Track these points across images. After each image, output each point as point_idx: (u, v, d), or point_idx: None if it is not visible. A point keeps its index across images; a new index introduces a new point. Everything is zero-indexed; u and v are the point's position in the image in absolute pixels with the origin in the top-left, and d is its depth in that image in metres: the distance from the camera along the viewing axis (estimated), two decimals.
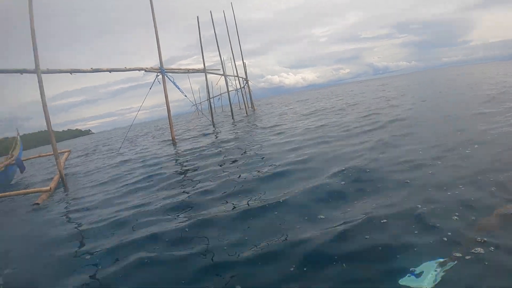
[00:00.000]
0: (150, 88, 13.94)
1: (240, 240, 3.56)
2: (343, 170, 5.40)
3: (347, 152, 6.82)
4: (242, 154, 8.67)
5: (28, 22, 8.50)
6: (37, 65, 8.74)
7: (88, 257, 3.79)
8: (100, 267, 3.47)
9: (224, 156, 8.79)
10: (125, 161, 11.41)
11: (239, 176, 6.24)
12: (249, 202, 4.69)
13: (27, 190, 8.48)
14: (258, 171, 6.35)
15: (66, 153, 13.37)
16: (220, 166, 7.62)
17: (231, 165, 7.48)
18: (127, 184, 7.66)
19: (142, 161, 10.59)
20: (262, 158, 7.67)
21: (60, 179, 8.97)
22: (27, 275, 3.69)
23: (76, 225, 5.15)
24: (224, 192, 5.37)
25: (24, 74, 9.00)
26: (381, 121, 10.03)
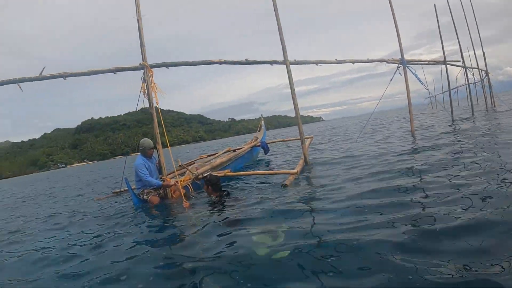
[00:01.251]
0: (391, 80, 13.94)
1: None
2: None
3: None
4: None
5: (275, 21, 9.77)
6: (285, 57, 10.11)
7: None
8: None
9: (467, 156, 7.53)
10: (361, 152, 11.45)
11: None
12: None
13: (276, 171, 9.47)
14: None
15: (310, 139, 14.31)
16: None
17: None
18: (372, 172, 7.69)
19: (377, 152, 10.61)
20: None
21: (304, 163, 9.93)
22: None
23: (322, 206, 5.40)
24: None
25: (274, 65, 10.26)
26: None
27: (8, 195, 24.78)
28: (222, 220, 5.47)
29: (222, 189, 7.13)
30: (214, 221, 5.48)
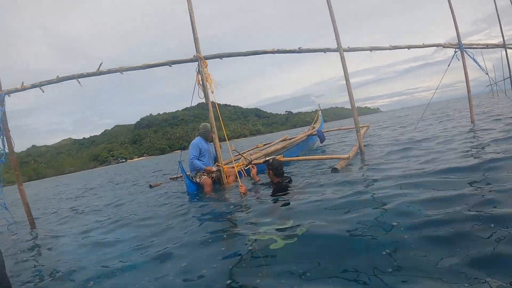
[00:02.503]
0: (449, 65, 13.39)
1: None
2: None
3: None
4: None
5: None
6: (338, 43, 10.00)
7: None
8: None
9: None
10: (418, 141, 11.11)
11: None
12: None
13: (328, 156, 9.56)
14: None
15: (366, 128, 14.46)
16: None
17: None
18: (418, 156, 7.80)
19: (435, 141, 10.27)
20: None
21: (359, 150, 10.04)
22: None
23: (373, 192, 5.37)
24: None
25: (327, 52, 10.19)
26: None
27: (82, 184, 26.11)
28: (273, 206, 5.66)
29: (285, 175, 7.03)
30: (265, 206, 5.70)
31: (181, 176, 10.25)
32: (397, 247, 3.14)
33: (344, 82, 10.05)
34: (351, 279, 2.77)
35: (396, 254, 3.03)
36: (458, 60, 13.01)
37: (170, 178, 12.94)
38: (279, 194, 6.27)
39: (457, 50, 13.02)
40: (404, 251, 3.06)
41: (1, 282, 1.45)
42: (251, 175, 7.34)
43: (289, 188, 6.52)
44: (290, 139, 14.16)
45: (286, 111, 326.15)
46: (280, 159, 8.75)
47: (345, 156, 8.64)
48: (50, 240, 6.63)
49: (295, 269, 3.10)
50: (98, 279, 3.77)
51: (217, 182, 8.97)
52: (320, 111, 16.26)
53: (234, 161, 9.38)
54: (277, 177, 6.85)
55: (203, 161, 8.97)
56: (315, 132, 14.06)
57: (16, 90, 8.04)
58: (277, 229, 4.27)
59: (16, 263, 5.24)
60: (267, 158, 7.23)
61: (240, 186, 7.01)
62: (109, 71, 8.43)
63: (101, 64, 8.32)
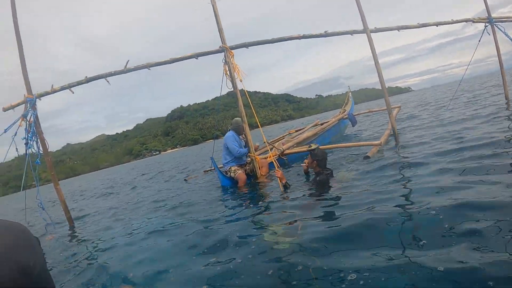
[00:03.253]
0: (479, 41, 12.68)
1: None
2: None
3: None
4: None
5: None
6: (364, 25, 9.80)
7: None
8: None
9: None
10: (452, 121, 10.81)
11: None
12: None
13: (360, 143, 9.35)
14: None
15: (397, 109, 14.05)
16: None
17: None
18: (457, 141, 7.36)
19: (469, 120, 9.97)
20: None
21: (392, 134, 9.86)
22: None
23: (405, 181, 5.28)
24: None
25: (354, 34, 9.97)
26: None
27: (122, 176, 26.58)
28: (312, 198, 5.62)
29: (327, 166, 6.80)
30: (304, 198, 5.69)
31: (213, 169, 10.31)
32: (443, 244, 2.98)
33: (373, 62, 9.88)
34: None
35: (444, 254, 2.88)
36: (489, 34, 12.63)
37: (204, 171, 13.11)
38: (319, 185, 6.20)
39: (487, 24, 12.63)
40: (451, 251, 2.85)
41: (41, 275, 1.46)
42: (278, 177, 7.16)
43: (329, 181, 6.33)
44: (321, 124, 14.09)
45: (316, 95, 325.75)
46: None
47: (377, 142, 8.52)
48: (87, 236, 6.85)
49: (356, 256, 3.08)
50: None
51: (251, 175, 8.99)
52: (350, 93, 15.98)
53: (268, 151, 9.39)
54: (319, 168, 6.68)
55: None
56: (346, 116, 13.84)
57: (47, 94, 8.25)
58: (315, 220, 4.27)
59: (56, 260, 5.39)
60: (312, 147, 7.05)
61: (277, 170, 6.95)
62: (136, 68, 8.54)
63: (128, 62, 8.44)
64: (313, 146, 6.95)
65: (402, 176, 5.58)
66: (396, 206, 4.06)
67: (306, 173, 7.54)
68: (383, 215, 3.85)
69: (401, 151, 7.86)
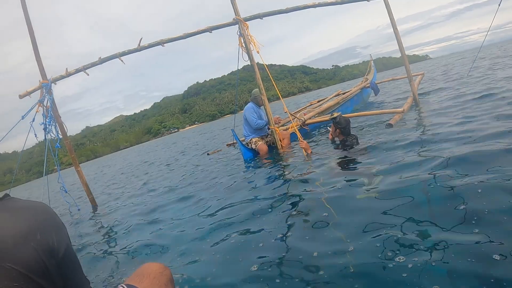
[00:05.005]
0: (499, 5, 12.24)
1: None
2: None
3: None
4: None
5: None
6: None
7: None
8: None
9: None
10: (475, 89, 10.57)
11: None
12: None
13: (382, 111, 9.18)
14: None
15: (420, 76, 13.83)
16: None
17: None
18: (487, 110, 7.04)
19: (492, 88, 9.51)
20: None
21: (414, 101, 9.71)
22: None
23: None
24: None
25: (370, 1, 9.63)
26: None
27: (144, 154, 26.79)
28: (337, 165, 5.53)
29: (351, 133, 6.80)
30: (329, 165, 5.59)
31: (236, 143, 10.32)
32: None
33: (390, 30, 9.64)
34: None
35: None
36: None
37: (227, 144, 13.18)
38: (345, 153, 6.13)
39: None
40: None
41: (67, 256, 1.50)
42: (303, 147, 7.09)
43: (354, 147, 6.28)
44: (343, 93, 13.92)
45: (332, 66, 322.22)
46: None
47: (399, 110, 8.31)
48: (110, 215, 6.97)
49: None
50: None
51: (272, 146, 9.03)
52: (372, 62, 15.85)
53: (288, 122, 9.35)
54: (343, 136, 6.69)
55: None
56: (369, 84, 13.68)
57: (62, 77, 8.31)
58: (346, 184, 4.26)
59: (82, 241, 5.47)
60: (334, 115, 6.96)
61: (301, 141, 6.91)
62: (150, 46, 8.50)
63: (141, 40, 8.39)
64: (335, 115, 6.85)
65: (420, 146, 5.36)
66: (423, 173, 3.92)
67: (332, 141, 7.51)
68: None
69: (422, 119, 7.69)
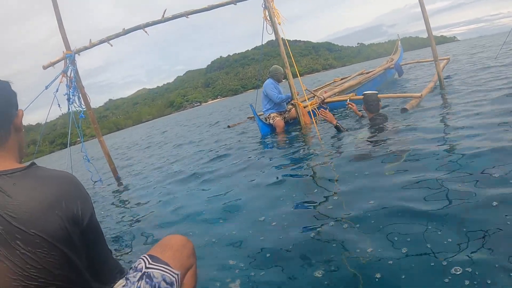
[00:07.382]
0: None
1: None
2: None
3: None
4: None
5: None
6: None
7: None
8: None
9: None
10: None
11: None
12: None
13: (399, 94, 9.19)
14: None
15: (445, 61, 13.28)
16: None
17: None
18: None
19: None
20: None
21: (438, 84, 9.50)
22: None
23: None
24: None
25: None
26: None
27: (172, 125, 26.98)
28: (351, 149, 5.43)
29: (380, 111, 6.75)
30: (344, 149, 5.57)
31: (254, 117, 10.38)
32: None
33: (417, 9, 9.41)
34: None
35: None
36: None
37: (248, 117, 13.48)
38: (373, 130, 6.13)
39: None
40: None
41: (91, 224, 1.55)
42: (327, 118, 7.02)
43: (381, 126, 6.23)
44: (367, 72, 13.76)
45: (358, 43, 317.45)
46: (351, 98, 8.50)
47: (417, 94, 8.12)
48: (132, 183, 7.03)
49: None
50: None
51: (290, 123, 9.26)
52: (399, 42, 15.59)
53: (308, 99, 9.35)
54: (371, 113, 6.65)
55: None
56: (393, 65, 13.51)
57: (85, 48, 8.41)
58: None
59: (105, 211, 5.57)
60: (365, 92, 6.83)
61: (325, 112, 6.80)
62: (174, 17, 8.50)
63: (165, 11, 8.37)
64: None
65: (436, 134, 5.14)
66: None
67: (360, 117, 7.65)
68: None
69: (443, 105, 7.42)
